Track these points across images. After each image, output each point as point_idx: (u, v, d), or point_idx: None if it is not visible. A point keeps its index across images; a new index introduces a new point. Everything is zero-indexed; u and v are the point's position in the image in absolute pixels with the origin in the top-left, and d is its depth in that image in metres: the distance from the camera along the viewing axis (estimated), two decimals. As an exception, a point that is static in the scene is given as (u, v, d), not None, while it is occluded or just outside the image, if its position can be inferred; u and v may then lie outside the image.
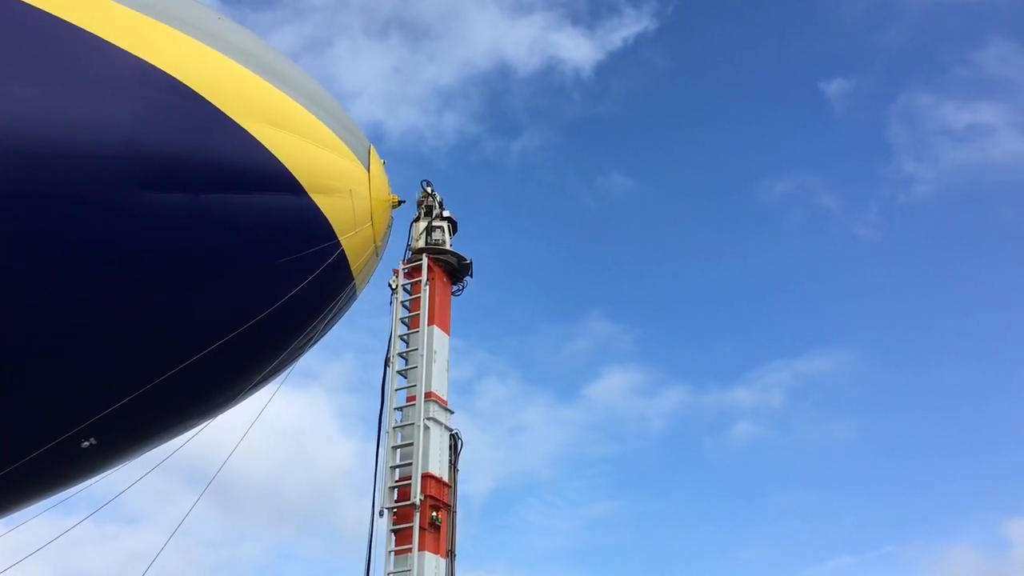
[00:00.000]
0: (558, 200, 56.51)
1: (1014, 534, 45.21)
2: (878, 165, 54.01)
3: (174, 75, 9.96)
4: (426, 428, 17.45)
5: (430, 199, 20.08)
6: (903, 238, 53.06)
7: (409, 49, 56.24)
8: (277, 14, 55.92)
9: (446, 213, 19.92)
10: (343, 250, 11.45)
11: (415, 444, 17.22)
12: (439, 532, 16.97)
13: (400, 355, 18.46)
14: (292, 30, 55.05)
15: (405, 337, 18.62)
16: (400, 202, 12.88)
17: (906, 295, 52.56)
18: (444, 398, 18.27)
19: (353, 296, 12.57)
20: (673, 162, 56.54)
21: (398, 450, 17.53)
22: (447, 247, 19.50)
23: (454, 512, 17.58)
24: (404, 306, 18.86)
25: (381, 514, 17.05)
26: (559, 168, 56.76)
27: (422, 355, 18.07)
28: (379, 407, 18.33)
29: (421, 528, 16.58)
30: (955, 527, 46.31)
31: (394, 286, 19.16)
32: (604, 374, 52.93)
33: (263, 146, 10.60)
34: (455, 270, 19.52)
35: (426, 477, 17.01)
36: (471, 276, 19.71)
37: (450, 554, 17.20)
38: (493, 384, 51.81)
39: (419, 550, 16.42)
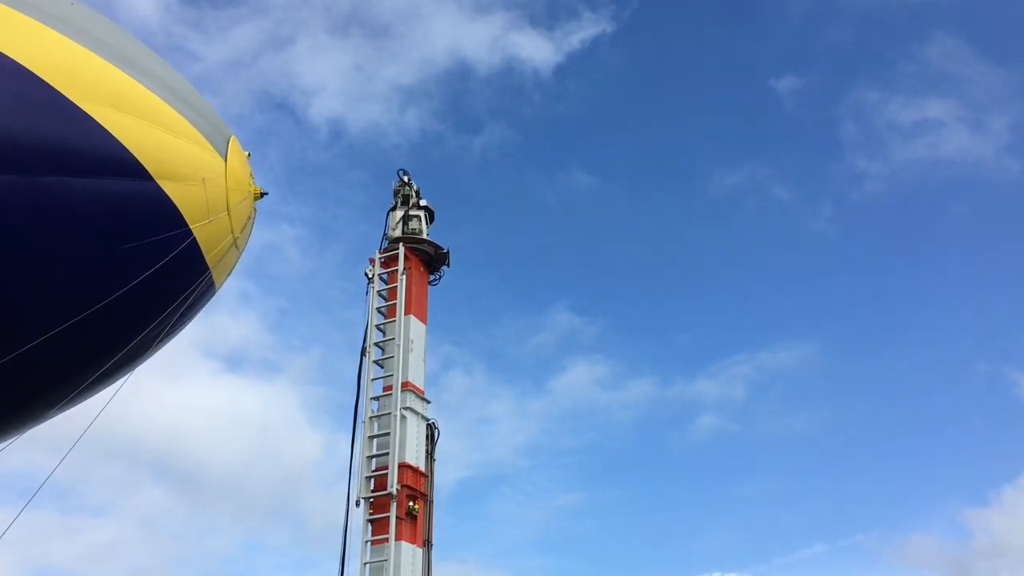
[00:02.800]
0: (520, 196, 57.06)
1: (975, 523, 46.03)
2: (830, 162, 54.87)
3: (10, 55, 9.88)
4: (403, 418, 17.41)
5: (406, 188, 19.99)
6: (857, 233, 53.85)
7: (372, 47, 56.36)
8: (238, 11, 55.54)
9: (423, 202, 19.83)
10: (195, 238, 11.27)
11: (392, 434, 17.19)
12: (416, 522, 16.97)
13: (376, 344, 18.38)
14: (253, 27, 54.82)
15: (381, 327, 18.55)
16: (263, 194, 12.55)
17: (862, 289, 53.39)
18: (421, 388, 18.24)
19: (211, 287, 12.29)
20: (631, 159, 57.43)
21: (374, 440, 17.48)
22: (424, 236, 19.42)
23: (431, 502, 17.58)
24: (380, 295, 18.79)
25: (357, 504, 17.02)
26: (520, 165, 57.49)
27: (399, 344, 18.02)
28: (355, 397, 18.30)
29: (398, 518, 16.57)
30: (916, 517, 47.23)
31: (370, 275, 19.09)
32: (569, 366, 53.36)
33: (107, 130, 10.51)
34: (432, 259, 19.44)
35: (403, 467, 16.99)
36: (448, 266, 19.64)
37: (427, 543, 17.20)
38: (459, 376, 52.17)
39: (396, 540, 16.41)
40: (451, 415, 50.06)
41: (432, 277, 19.54)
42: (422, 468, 17.53)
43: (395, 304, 18.52)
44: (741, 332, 53.73)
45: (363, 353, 18.65)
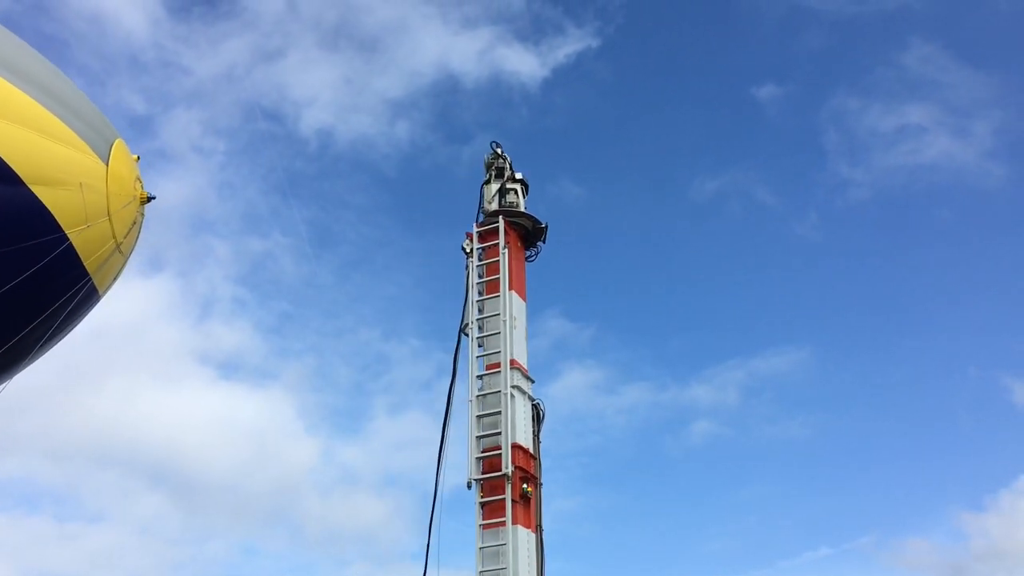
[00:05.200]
0: None
1: (972, 527, 45.52)
2: (814, 170, 55.27)
3: None
4: (511, 397, 16.59)
5: (500, 160, 19.20)
6: (844, 239, 53.58)
7: (361, 61, 56.85)
8: (228, 25, 55.52)
9: (518, 175, 19.04)
10: (71, 244, 10.93)
11: (503, 413, 16.35)
12: (529, 505, 16.15)
13: (476, 322, 17.55)
14: (243, 42, 55.12)
15: (480, 303, 17.74)
16: (150, 198, 12.20)
17: (853, 294, 53.00)
18: (525, 366, 17.42)
19: (94, 294, 11.96)
20: (619, 170, 58.08)
21: (482, 420, 16.66)
22: (522, 209, 18.63)
23: (540, 484, 16.76)
24: (475, 272, 17.97)
25: (469, 486, 16.20)
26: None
27: (504, 320, 17.20)
28: (451, 376, 17.54)
29: (512, 501, 15.75)
30: (913, 521, 46.50)
31: (468, 250, 18.30)
32: (564, 372, 53.42)
33: None
34: (528, 234, 18.64)
35: (515, 448, 16.16)
36: (543, 241, 18.84)
37: (539, 528, 16.39)
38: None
39: (512, 524, 15.59)
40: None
41: (529, 253, 18.74)
42: (531, 449, 16.72)
43: (495, 279, 17.71)
44: (733, 338, 53.72)
45: (462, 331, 17.85)
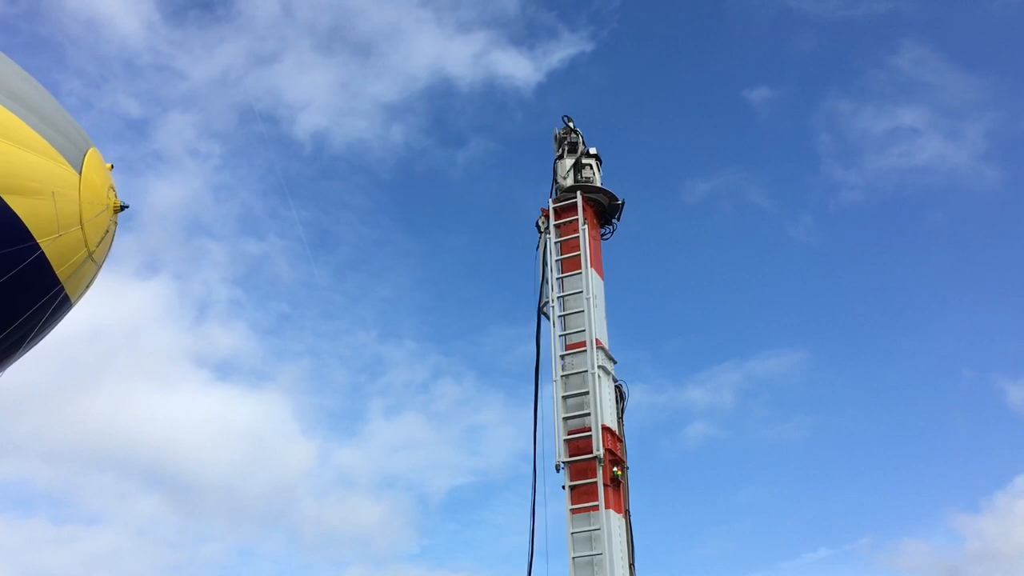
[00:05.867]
0: (505, 208, 57.48)
1: (967, 529, 45.26)
2: (807, 172, 55.49)
3: None
4: (597, 377, 15.97)
5: (572, 135, 18.57)
6: (839, 241, 53.71)
7: (356, 65, 56.65)
8: (223, 30, 55.07)
9: (592, 150, 18.42)
10: (43, 253, 10.98)
11: (592, 393, 15.73)
12: (619, 489, 15.54)
13: (557, 299, 16.92)
14: (238, 46, 54.89)
15: (559, 281, 17.11)
16: (124, 207, 12.35)
17: (848, 297, 52.90)
18: (607, 346, 16.80)
19: (67, 303, 12.05)
20: (614, 173, 57.90)
21: (567, 400, 16.03)
22: (598, 184, 18.00)
23: (627, 468, 16.14)
24: (554, 249, 17.34)
25: (558, 469, 15.56)
26: (505, 178, 58.06)
27: (587, 299, 16.59)
28: (535, 356, 16.91)
29: (604, 484, 15.13)
30: (909, 523, 46.08)
31: (543, 227, 17.68)
32: None
33: None
34: (604, 210, 18.02)
35: (604, 430, 15.54)
36: (618, 219, 18.21)
37: (627, 513, 15.78)
38: (450, 384, 52.05)
39: (604, 508, 14.98)
40: (441, 424, 50.25)
41: (604, 231, 18.11)
42: (617, 431, 16.11)
43: (574, 257, 17.08)
44: (729, 340, 53.63)
45: (540, 310, 17.23)
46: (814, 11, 54.00)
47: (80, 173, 11.42)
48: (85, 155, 11.64)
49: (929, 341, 49.66)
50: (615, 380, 16.60)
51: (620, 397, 16.62)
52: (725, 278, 52.78)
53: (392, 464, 48.94)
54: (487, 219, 57.99)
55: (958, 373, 48.28)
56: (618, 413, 16.45)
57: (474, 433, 51.32)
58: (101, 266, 12.41)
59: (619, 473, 15.49)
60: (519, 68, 54.90)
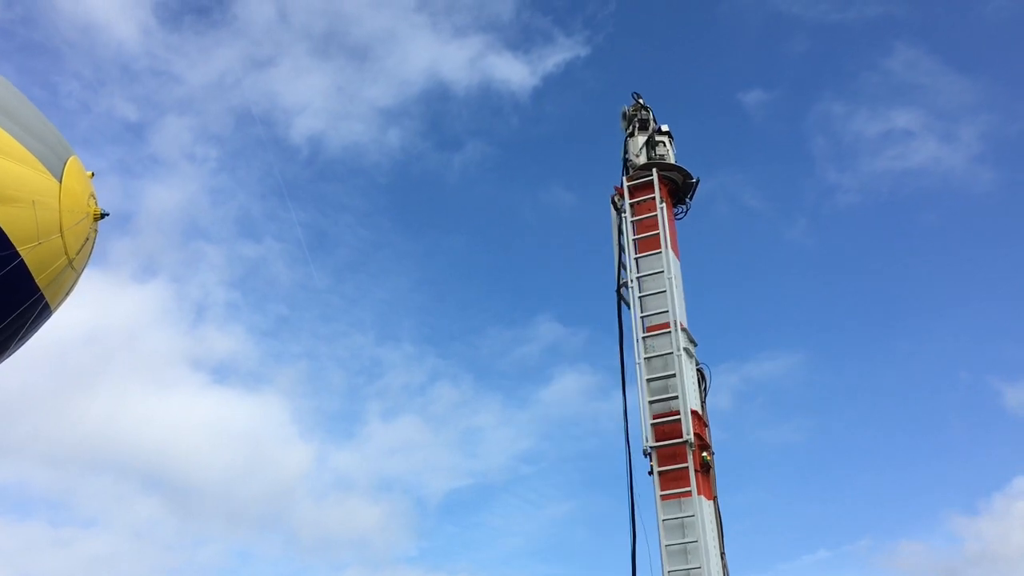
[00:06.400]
0: (501, 211, 57.50)
1: (965, 531, 45.21)
2: (802, 175, 55.51)
3: None
4: (682, 359, 15.43)
5: (643, 112, 18.03)
6: (835, 244, 53.91)
7: (352, 69, 56.51)
8: (219, 34, 54.75)
9: (664, 127, 17.87)
10: (23, 261, 11.13)
11: (678, 376, 15.20)
12: (708, 475, 15.01)
13: (633, 281, 16.39)
14: (235, 50, 54.72)
15: (636, 261, 16.56)
16: (104, 215, 12.44)
17: (844, 299, 52.94)
18: (687, 328, 16.26)
19: (47, 310, 12.13)
20: (608, 175, 57.62)
21: (651, 383, 15.50)
22: (673, 162, 17.45)
23: (713, 453, 15.61)
24: (631, 228, 16.80)
25: (646, 454, 15.03)
26: (501, 181, 58.22)
27: (669, 278, 16.05)
28: (618, 338, 16.42)
29: (696, 470, 14.61)
30: (906, 525, 45.98)
31: (618, 205, 17.16)
32: (556, 376, 52.96)
33: None
34: (677, 189, 17.46)
35: (691, 414, 15.01)
36: (691, 199, 17.66)
37: (715, 499, 15.25)
38: (447, 387, 51.82)
39: (697, 494, 14.46)
40: (438, 426, 50.31)
41: (677, 210, 17.55)
42: (701, 415, 15.58)
43: (651, 236, 16.54)
44: (725, 342, 53.46)
45: (618, 290, 16.71)
46: (805, 14, 54.07)
47: (60, 181, 11.47)
48: (65, 163, 11.70)
49: (926, 343, 49.77)
50: (697, 363, 16.07)
51: (701, 379, 16.10)
52: (722, 280, 52.74)
53: (390, 466, 48.94)
54: (484, 222, 58.10)
55: (955, 375, 48.37)
56: (701, 397, 15.92)
57: (472, 435, 51.28)
58: (81, 273, 12.44)
59: (708, 458, 14.96)
60: (515, 72, 54.94)
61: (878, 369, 49.79)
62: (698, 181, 17.44)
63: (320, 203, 57.01)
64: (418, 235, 58.18)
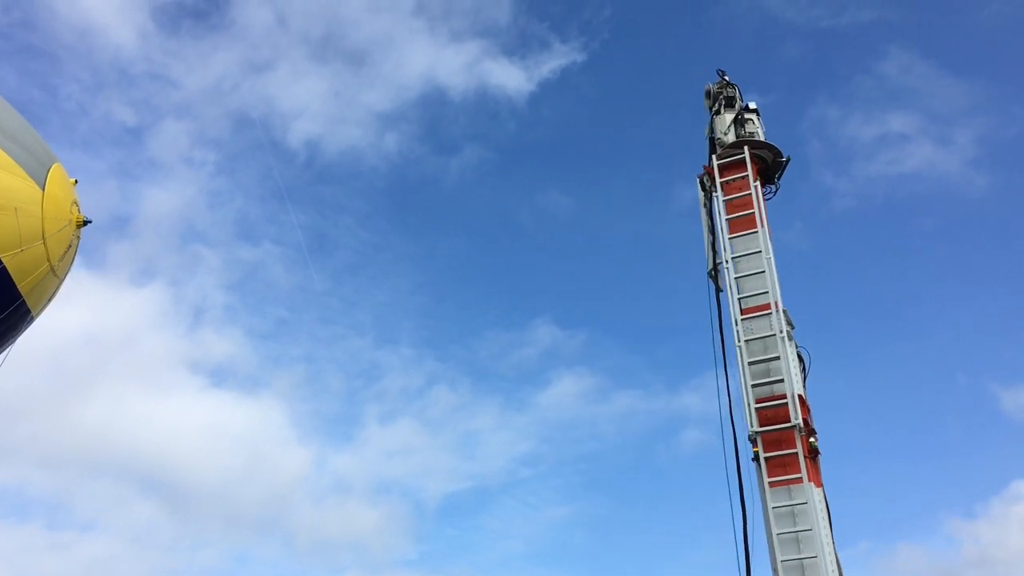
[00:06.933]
0: (499, 214, 57.43)
1: (963, 534, 44.52)
2: (797, 179, 55.04)
3: None
4: (785, 341, 14.87)
5: (728, 89, 17.49)
6: (831, 248, 53.70)
7: (350, 73, 56.43)
8: (217, 39, 54.57)
9: (751, 104, 17.33)
10: (4, 267, 11.22)
11: (783, 359, 14.65)
12: (815, 460, 14.44)
13: (728, 262, 15.84)
14: (233, 54, 54.66)
15: (731, 241, 16.01)
16: (86, 222, 12.49)
17: (841, 303, 52.56)
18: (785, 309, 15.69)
19: (28, 316, 12.19)
20: (606, 181, 58.80)
21: (752, 367, 14.94)
22: (763, 139, 16.90)
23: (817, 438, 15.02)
24: (723, 207, 16.26)
25: (752, 440, 14.47)
26: (498, 185, 58.14)
27: (767, 259, 15.50)
28: (712, 321, 15.91)
29: (804, 456, 14.04)
30: (904, 528, 45.72)
31: (707, 184, 16.63)
32: (554, 380, 52.70)
33: None
34: (767, 168, 16.91)
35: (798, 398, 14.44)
36: (779, 178, 17.09)
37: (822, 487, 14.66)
38: (445, 391, 51.52)
39: (807, 480, 13.89)
40: (436, 429, 50.11)
41: (766, 189, 16.98)
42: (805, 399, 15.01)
43: (746, 216, 16.00)
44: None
45: (711, 273, 16.18)
46: (799, 20, 53.93)
47: (43, 189, 11.50)
48: (48, 171, 11.72)
49: (923, 347, 49.47)
50: (796, 345, 15.50)
51: (800, 363, 15.51)
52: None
53: (388, 470, 48.77)
54: (482, 226, 58.02)
55: (952, 379, 47.92)
56: (802, 381, 15.34)
57: (470, 438, 51.00)
58: (63, 280, 12.54)
59: (815, 443, 14.39)
60: (511, 78, 54.88)
61: (875, 373, 49.73)
62: (788, 160, 16.89)
63: (320, 205, 57.03)
64: (417, 238, 58.15)
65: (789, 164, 16.88)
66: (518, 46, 57.40)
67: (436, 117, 57.51)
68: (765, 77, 55.29)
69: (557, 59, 55.84)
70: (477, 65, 55.36)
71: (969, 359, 47.53)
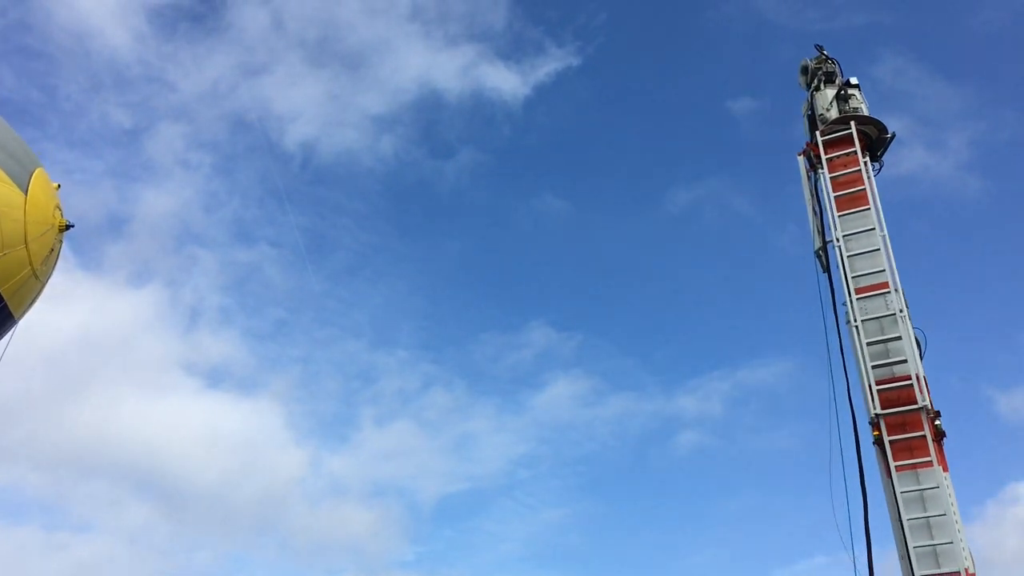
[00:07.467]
0: (495, 218, 57.32)
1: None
2: (791, 183, 54.00)
3: None
4: (905, 321, 14.32)
5: (828, 64, 16.96)
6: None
7: (346, 77, 56.23)
8: (213, 42, 54.64)
9: (853, 80, 16.78)
10: None
11: (905, 339, 14.11)
12: (942, 444, 13.87)
13: (838, 240, 15.31)
14: (229, 58, 54.76)
15: (840, 220, 15.47)
16: (69, 226, 12.57)
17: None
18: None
19: (9, 318, 12.22)
20: (601, 185, 58.43)
21: (870, 348, 14.39)
22: (867, 114, 16.34)
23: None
24: (829, 185, 15.73)
25: (873, 424, 13.92)
26: (494, 188, 57.95)
27: (882, 236, 14.97)
28: (827, 301, 15.35)
29: (931, 438, 13.50)
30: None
31: (810, 163, 16.11)
32: (550, 382, 52.41)
33: None
34: (871, 144, 16.35)
35: (918, 378, 13.89)
36: (883, 154, 16.52)
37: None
38: (440, 393, 51.45)
39: (936, 464, 13.34)
40: (432, 432, 50.20)
41: (872, 166, 16.41)
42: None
43: (855, 193, 15.47)
44: (718, 348, 52.76)
45: (818, 252, 15.64)
46: (791, 23, 53.75)
47: (26, 193, 11.57)
48: (32, 175, 11.74)
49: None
50: (911, 326, 14.94)
51: (917, 344, 14.95)
52: (714, 286, 52.28)
53: (385, 471, 48.80)
54: (477, 229, 58.05)
55: (947, 382, 46.86)
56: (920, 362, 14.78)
57: (466, 440, 50.89)
58: (45, 283, 12.57)
59: (940, 425, 13.83)
60: (506, 82, 54.88)
61: None
62: (893, 136, 16.32)
63: (318, 207, 57.04)
64: (415, 240, 58.13)
65: (894, 140, 16.31)
66: (513, 50, 57.57)
67: (432, 120, 57.74)
68: (758, 80, 55.23)
69: (552, 63, 56.06)
70: (473, 69, 55.48)
71: (964, 362, 47.34)
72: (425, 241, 57.77)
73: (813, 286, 15.56)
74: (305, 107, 56.15)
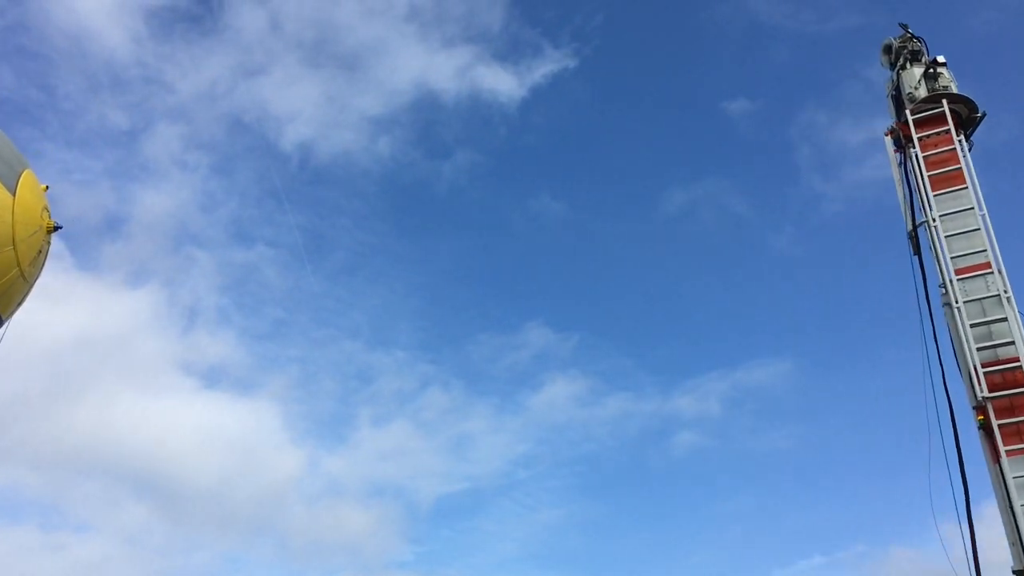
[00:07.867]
0: (492, 219, 57.18)
1: (957, 537, 42.95)
2: (788, 184, 54.29)
3: None
4: (1010, 302, 13.90)
5: (913, 43, 16.54)
6: (821, 252, 53.78)
7: (343, 78, 56.07)
8: (210, 43, 54.63)
9: (940, 58, 16.36)
10: None
11: (1011, 320, 13.69)
12: (1051, 428, 13.42)
13: (935, 220, 14.91)
14: (226, 59, 54.78)
15: (935, 199, 15.06)
16: (57, 227, 12.58)
17: (832, 307, 52.52)
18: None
19: None
20: (598, 186, 58.70)
21: (973, 330, 13.97)
22: (957, 92, 15.93)
23: (1042, 406, 14.00)
24: (922, 164, 15.33)
25: (978, 408, 13.49)
26: (491, 189, 57.89)
27: (981, 215, 14.56)
28: (919, 282, 14.97)
29: (1042, 421, 13.04)
30: (898, 531, 45.03)
31: (900, 142, 15.73)
32: (547, 383, 52.08)
33: None
34: (960, 123, 15.92)
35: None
36: (971, 134, 16.08)
37: (1055, 456, 13.64)
38: (438, 393, 51.12)
39: (1050, 448, 12.89)
40: (429, 432, 49.96)
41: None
42: (1028, 365, 13.99)
43: (950, 172, 15.07)
44: (715, 349, 52.51)
45: (911, 234, 15.24)
46: (786, 25, 53.57)
47: (14, 195, 11.59)
48: (20, 176, 11.75)
49: (915, 350, 47.75)
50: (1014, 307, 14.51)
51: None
52: (712, 288, 52.09)
53: (382, 471, 48.66)
54: (474, 229, 58.00)
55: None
56: (1022, 346, 14.34)
57: (464, 441, 50.71)
58: (32, 284, 12.63)
59: (1050, 409, 13.38)
60: (503, 83, 54.75)
61: (867, 376, 49.29)
62: (983, 115, 15.89)
63: (317, 207, 57.04)
64: (413, 241, 58.08)
65: (985, 118, 15.88)
66: (510, 52, 57.60)
67: (429, 122, 57.79)
68: (754, 82, 54.93)
69: (549, 65, 56.03)
70: (469, 70, 55.45)
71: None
72: (423, 242, 57.90)
73: (913, 268, 15.17)
74: (302, 108, 56.29)
